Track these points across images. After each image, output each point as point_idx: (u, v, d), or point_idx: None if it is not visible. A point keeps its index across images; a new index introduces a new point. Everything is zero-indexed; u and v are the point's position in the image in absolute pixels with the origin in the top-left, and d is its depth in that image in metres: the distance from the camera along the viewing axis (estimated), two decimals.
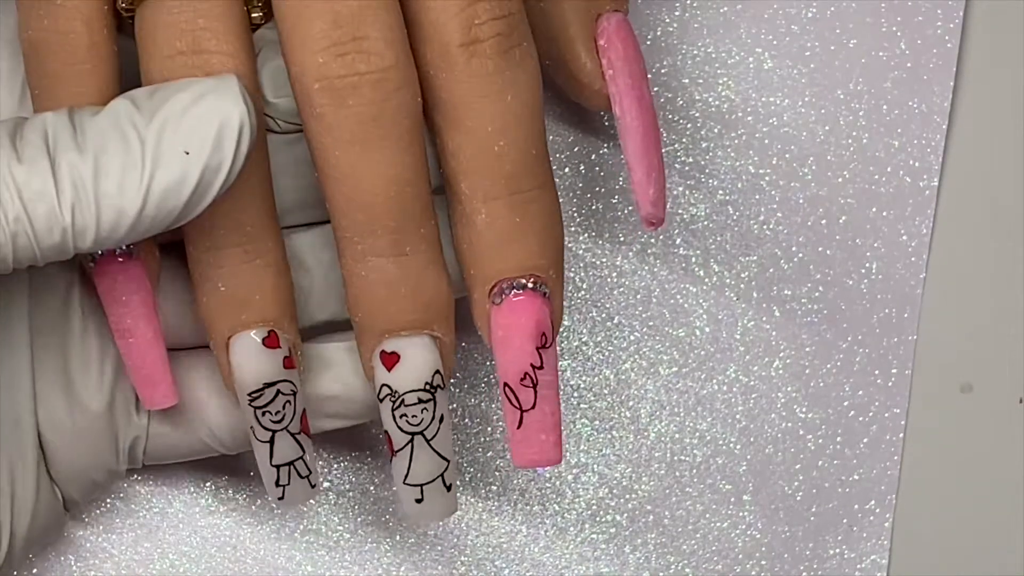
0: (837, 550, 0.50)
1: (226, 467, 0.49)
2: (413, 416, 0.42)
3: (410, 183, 0.41)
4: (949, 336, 0.51)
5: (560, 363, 0.50)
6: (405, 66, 0.40)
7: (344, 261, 0.42)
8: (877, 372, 0.50)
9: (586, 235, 0.50)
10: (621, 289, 0.50)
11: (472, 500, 0.49)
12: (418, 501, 0.43)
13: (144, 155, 0.38)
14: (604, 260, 0.50)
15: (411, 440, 0.42)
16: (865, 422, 0.50)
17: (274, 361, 0.42)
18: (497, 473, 0.49)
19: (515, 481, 0.49)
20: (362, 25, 0.40)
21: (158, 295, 0.43)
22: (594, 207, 0.50)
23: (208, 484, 0.49)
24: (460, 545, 0.49)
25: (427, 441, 0.42)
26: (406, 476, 0.43)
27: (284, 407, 0.42)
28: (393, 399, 0.42)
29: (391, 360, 0.42)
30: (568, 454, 0.50)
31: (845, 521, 0.50)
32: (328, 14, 0.40)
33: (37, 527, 0.44)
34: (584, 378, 0.50)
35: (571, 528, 0.50)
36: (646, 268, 0.50)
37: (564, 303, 0.43)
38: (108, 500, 0.49)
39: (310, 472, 0.43)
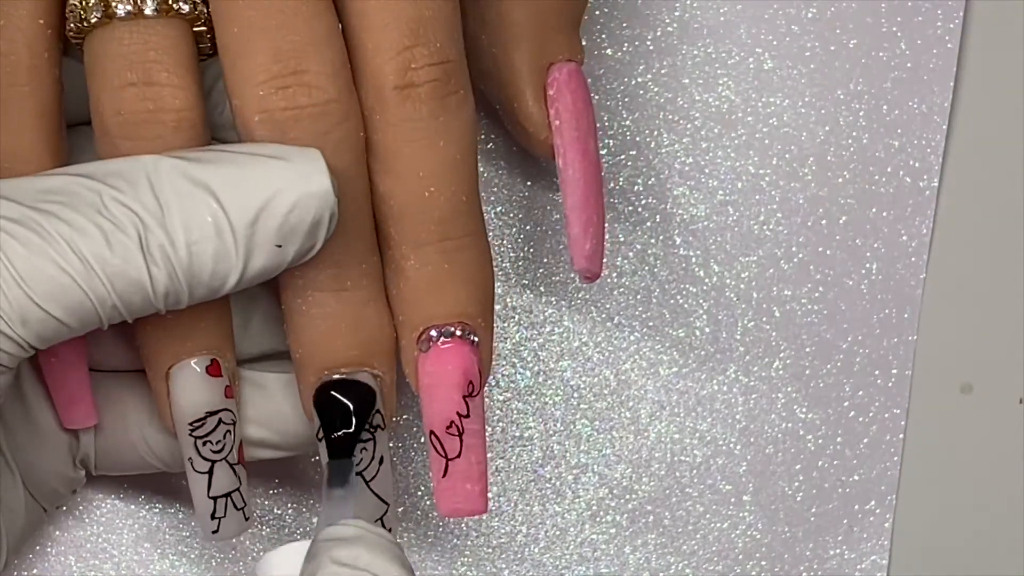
0: (837, 550, 0.50)
1: None
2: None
3: (352, 218, 0.40)
4: (949, 336, 0.51)
5: (560, 363, 0.50)
6: (347, 100, 0.40)
7: (285, 295, 0.42)
8: (877, 372, 0.50)
9: None
10: (621, 289, 0.50)
11: None
12: None
13: (237, 247, 0.39)
14: (604, 260, 0.50)
15: None
16: (865, 422, 0.50)
17: (216, 389, 0.42)
18: (497, 474, 0.49)
19: (515, 481, 0.49)
20: (303, 59, 0.39)
21: None
22: None
23: None
24: (460, 545, 0.49)
25: (366, 483, 0.42)
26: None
27: (224, 436, 0.42)
28: None
29: None
30: (568, 454, 0.50)
31: (845, 521, 0.50)
32: (269, 48, 0.39)
33: (29, 531, 0.44)
34: (584, 378, 0.50)
35: (571, 528, 0.50)
36: (646, 268, 0.50)
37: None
38: (108, 500, 0.49)
39: (245, 504, 0.43)
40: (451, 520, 0.49)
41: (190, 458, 0.42)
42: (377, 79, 0.40)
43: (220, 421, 0.42)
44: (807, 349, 0.50)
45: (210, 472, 0.42)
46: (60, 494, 0.45)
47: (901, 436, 0.50)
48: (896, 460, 0.50)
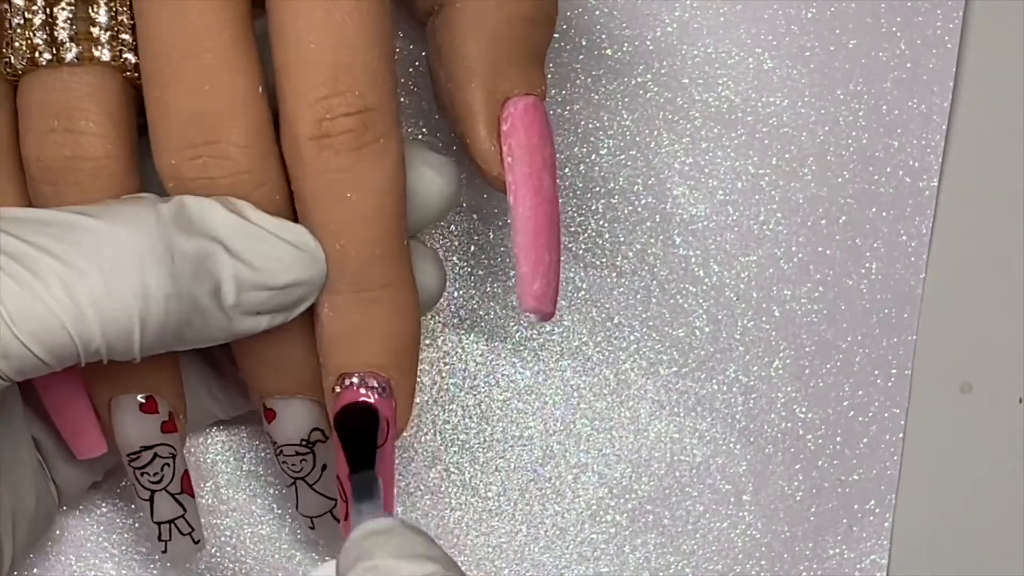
0: (837, 550, 0.50)
1: (225, 468, 0.49)
2: (292, 464, 0.44)
3: None
4: (949, 336, 0.51)
5: (560, 363, 0.50)
6: (261, 168, 0.40)
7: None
8: (877, 372, 0.50)
9: (586, 235, 0.50)
10: (621, 289, 0.50)
11: (472, 500, 0.49)
12: (311, 528, 0.45)
13: (230, 311, 0.39)
14: (604, 260, 0.50)
15: (295, 482, 0.44)
16: (865, 422, 0.50)
17: (151, 425, 0.43)
18: (497, 473, 0.49)
19: (515, 481, 0.49)
20: (216, 129, 0.40)
21: None
22: (593, 207, 0.50)
23: (208, 484, 0.49)
24: (460, 545, 0.49)
25: (309, 485, 0.44)
26: (296, 507, 0.45)
27: (162, 469, 0.43)
28: (274, 447, 0.44)
29: (270, 415, 0.43)
30: (568, 454, 0.50)
31: (845, 521, 0.50)
32: (187, 113, 0.40)
33: (36, 532, 0.44)
34: (584, 378, 0.50)
35: (571, 528, 0.50)
36: (646, 268, 0.50)
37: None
38: (108, 500, 0.49)
39: (192, 529, 0.44)
40: (451, 520, 0.49)
41: (133, 484, 0.44)
42: (294, 128, 0.40)
43: (156, 455, 0.43)
44: (807, 349, 0.50)
45: (151, 500, 0.44)
46: (94, 475, 0.47)
47: (901, 436, 0.50)
48: (896, 460, 0.50)
